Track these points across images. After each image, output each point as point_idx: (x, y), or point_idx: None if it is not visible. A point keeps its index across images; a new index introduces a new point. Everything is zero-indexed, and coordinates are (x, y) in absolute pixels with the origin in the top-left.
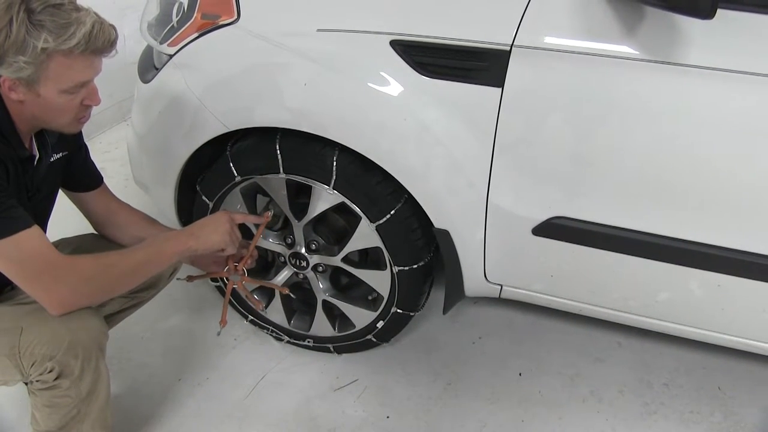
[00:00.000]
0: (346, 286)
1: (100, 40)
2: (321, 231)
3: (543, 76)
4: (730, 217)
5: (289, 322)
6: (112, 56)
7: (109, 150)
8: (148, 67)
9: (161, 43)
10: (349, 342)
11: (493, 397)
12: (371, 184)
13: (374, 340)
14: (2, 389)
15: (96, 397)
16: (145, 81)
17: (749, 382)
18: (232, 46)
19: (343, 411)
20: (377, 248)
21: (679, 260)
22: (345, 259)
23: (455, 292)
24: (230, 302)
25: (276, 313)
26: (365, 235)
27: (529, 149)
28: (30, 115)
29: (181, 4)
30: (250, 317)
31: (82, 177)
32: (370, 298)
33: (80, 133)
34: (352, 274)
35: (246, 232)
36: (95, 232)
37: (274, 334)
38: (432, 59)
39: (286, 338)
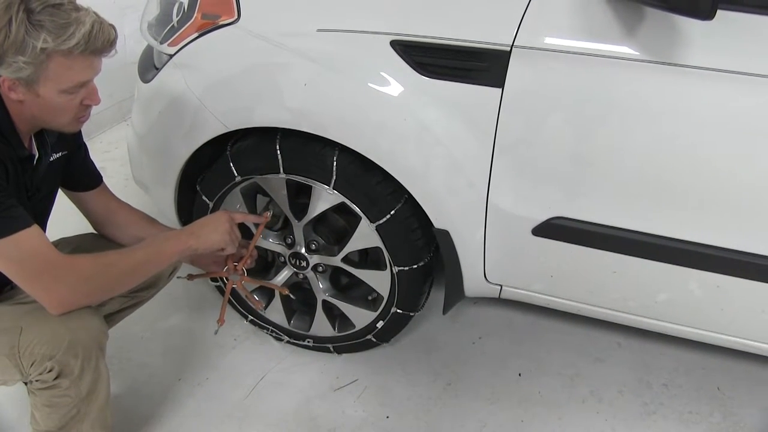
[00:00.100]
0: (346, 286)
1: (100, 40)
2: (321, 231)
3: (543, 76)
4: (729, 217)
5: (288, 322)
6: (111, 56)
7: (109, 150)
8: (149, 66)
9: (161, 42)
10: (349, 342)
11: (493, 397)
12: (371, 184)
13: (374, 340)
14: (2, 389)
15: (96, 396)
16: (146, 81)
17: (748, 383)
18: (232, 46)
19: (343, 411)
20: (377, 248)
21: (678, 261)
22: (345, 259)
23: (455, 293)
24: (230, 302)
25: (276, 313)
26: (365, 235)
27: (529, 149)
28: (29, 115)
29: (181, 3)
30: (250, 317)
31: (82, 176)
32: (370, 298)
33: (80, 133)
34: (352, 274)
35: (246, 232)
36: (95, 231)
37: (273, 334)
38: (432, 59)
39: (286, 338)
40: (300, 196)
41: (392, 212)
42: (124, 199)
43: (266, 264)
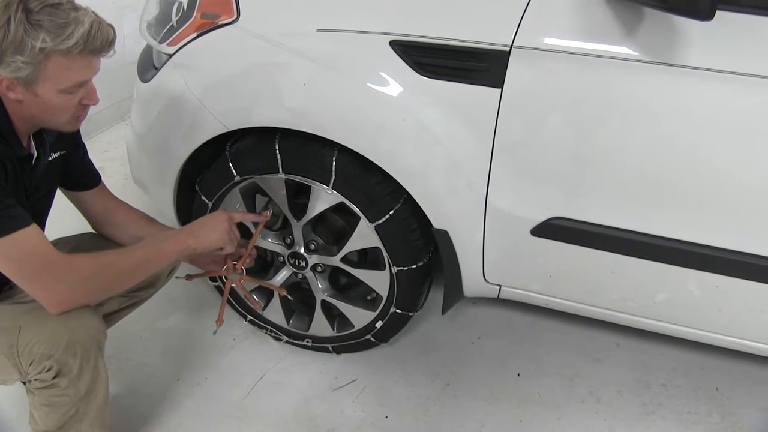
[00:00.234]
0: (345, 286)
1: (99, 40)
2: (320, 231)
3: (542, 76)
4: (728, 218)
5: (288, 322)
6: (110, 56)
7: (109, 149)
8: (148, 66)
9: (161, 42)
10: (348, 342)
11: (492, 397)
12: (370, 184)
13: (373, 340)
14: (1, 389)
15: (94, 396)
16: (145, 81)
17: (747, 383)
18: (231, 46)
19: (341, 411)
20: (376, 248)
21: (677, 261)
22: (344, 259)
23: (454, 293)
24: (229, 302)
25: (275, 313)
26: (364, 235)
27: (529, 150)
28: (28, 115)
29: (180, 3)
30: (249, 317)
31: (81, 176)
32: (369, 298)
33: (78, 132)
34: (351, 274)
35: (245, 232)
36: (93, 231)
37: (272, 334)
38: (431, 59)
39: (285, 338)
40: (299, 196)
41: (391, 212)
42: (123, 199)
43: (265, 264)
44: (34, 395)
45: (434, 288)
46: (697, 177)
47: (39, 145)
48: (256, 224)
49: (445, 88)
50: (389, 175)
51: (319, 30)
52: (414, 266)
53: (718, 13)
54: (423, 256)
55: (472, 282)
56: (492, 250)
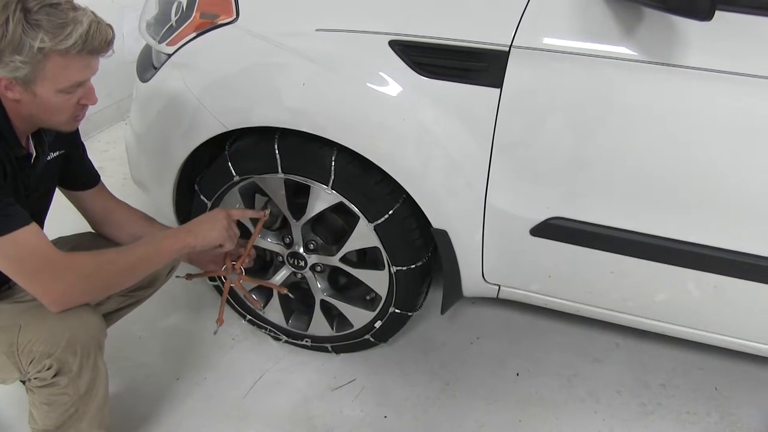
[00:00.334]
0: (344, 286)
1: (97, 40)
2: (319, 231)
3: (542, 76)
4: (727, 218)
5: (287, 322)
6: (109, 56)
7: (108, 149)
8: (147, 66)
9: (160, 42)
10: (347, 342)
11: (491, 397)
12: (370, 184)
13: (372, 339)
14: (0, 388)
15: (94, 395)
16: (144, 80)
17: (746, 383)
18: (230, 46)
19: (340, 411)
20: (375, 248)
21: (676, 261)
22: (343, 259)
23: (453, 293)
24: (228, 302)
25: (274, 312)
26: (363, 235)
27: (528, 150)
28: (27, 114)
29: (180, 3)
30: (249, 317)
31: (79, 175)
32: (368, 298)
33: (77, 132)
34: (350, 274)
35: (244, 232)
36: (93, 230)
37: (272, 334)
38: (431, 59)
39: (284, 338)
40: (298, 196)
41: (390, 212)
42: (122, 199)
43: (264, 264)
44: (33, 394)
45: (433, 288)
46: (697, 177)
47: (38, 144)
48: (255, 223)
49: (445, 88)
50: (388, 175)
51: (318, 30)
52: (413, 266)
53: (718, 14)
54: (422, 256)
55: (471, 282)
56: (491, 250)
